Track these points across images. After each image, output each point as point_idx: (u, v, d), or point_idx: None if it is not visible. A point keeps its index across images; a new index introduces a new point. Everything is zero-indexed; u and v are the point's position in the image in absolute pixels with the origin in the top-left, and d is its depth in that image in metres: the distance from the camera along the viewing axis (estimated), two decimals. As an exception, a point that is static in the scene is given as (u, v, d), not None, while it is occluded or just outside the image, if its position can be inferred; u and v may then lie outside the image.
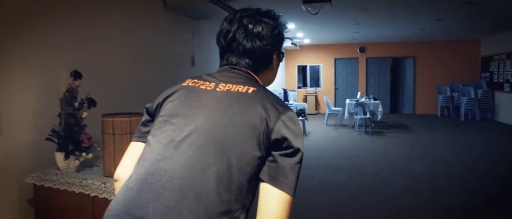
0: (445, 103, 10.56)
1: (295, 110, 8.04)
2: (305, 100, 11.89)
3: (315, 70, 12.27)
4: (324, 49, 11.91)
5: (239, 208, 0.76)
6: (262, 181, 0.78)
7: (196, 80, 0.92)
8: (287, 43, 9.63)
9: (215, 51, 5.10)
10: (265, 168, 0.79)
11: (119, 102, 3.05)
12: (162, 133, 0.84)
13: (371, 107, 8.47)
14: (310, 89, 12.16)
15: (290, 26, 7.54)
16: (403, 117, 10.66)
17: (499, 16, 6.75)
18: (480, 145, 6.64)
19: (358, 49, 11.57)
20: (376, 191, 4.08)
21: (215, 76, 0.93)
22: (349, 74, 11.93)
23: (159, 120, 0.88)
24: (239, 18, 0.93)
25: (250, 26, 0.91)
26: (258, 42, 0.91)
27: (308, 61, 12.23)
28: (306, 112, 8.30)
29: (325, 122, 9.26)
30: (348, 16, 6.62)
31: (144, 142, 0.90)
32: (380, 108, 8.41)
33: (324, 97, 9.35)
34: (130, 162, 0.91)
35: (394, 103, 11.90)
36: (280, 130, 0.79)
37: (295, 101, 10.69)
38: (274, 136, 0.79)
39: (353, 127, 8.54)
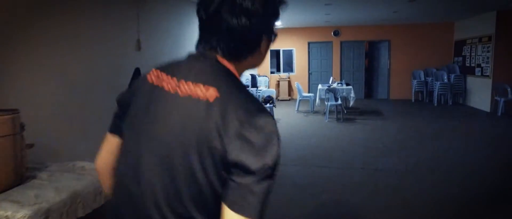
0: (419, 88, 10.61)
1: (261, 97, 7.80)
2: (278, 85, 11.67)
3: (289, 55, 12.03)
4: (298, 33, 11.66)
5: None
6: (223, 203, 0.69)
7: (160, 75, 0.81)
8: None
9: (168, 34, 4.69)
10: (225, 189, 0.70)
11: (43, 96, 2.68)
12: (126, 141, 0.83)
13: (343, 93, 8.35)
14: (283, 74, 11.94)
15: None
16: (377, 102, 10.66)
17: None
18: (450, 131, 6.65)
19: (332, 33, 11.39)
20: (336, 184, 3.92)
21: (181, 68, 0.80)
22: (323, 58, 11.77)
23: (126, 122, 0.84)
24: None
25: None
26: (244, 20, 0.74)
27: (281, 45, 11.96)
28: (275, 98, 8.07)
29: (296, 109, 9.08)
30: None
31: (119, 135, 0.88)
32: (352, 94, 8.30)
33: (296, 83, 9.15)
34: (106, 153, 0.91)
35: (369, 88, 11.89)
36: (237, 149, 0.67)
37: (266, 87, 10.45)
38: (230, 156, 0.67)
39: (324, 113, 8.41)
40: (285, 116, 8.44)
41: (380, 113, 8.68)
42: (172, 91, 0.76)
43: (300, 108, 9.21)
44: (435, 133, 6.49)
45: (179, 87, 0.75)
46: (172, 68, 0.81)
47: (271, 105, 7.56)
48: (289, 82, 11.78)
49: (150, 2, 4.65)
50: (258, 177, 0.66)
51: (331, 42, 11.55)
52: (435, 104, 9.82)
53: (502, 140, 5.92)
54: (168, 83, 0.77)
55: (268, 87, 10.48)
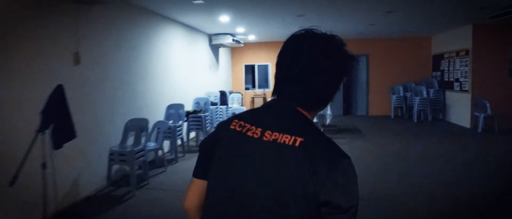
0: (398, 103, 10.43)
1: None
2: (252, 102, 11.25)
3: (264, 70, 11.68)
4: (274, 47, 11.35)
5: None
6: None
7: (242, 124, 0.91)
8: (228, 40, 8.91)
9: (117, 46, 4.10)
10: None
11: None
12: (216, 184, 0.91)
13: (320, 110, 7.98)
14: (258, 91, 11.54)
15: (224, 18, 6.81)
16: (356, 119, 10.38)
17: (448, 10, 6.52)
18: (431, 152, 6.35)
19: (308, 47, 11.13)
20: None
21: (262, 117, 0.91)
22: (299, 74, 11.45)
23: (215, 167, 0.92)
24: (308, 48, 0.87)
25: (322, 59, 0.86)
26: (326, 79, 0.88)
27: (256, 60, 11.62)
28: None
29: (270, 127, 8.63)
30: (288, 6, 6.03)
31: (204, 179, 0.97)
32: (329, 111, 7.95)
33: (269, 99, 8.73)
34: (193, 195, 1.01)
35: (347, 104, 11.64)
36: (329, 192, 0.78)
37: (239, 104, 10.00)
38: (322, 197, 0.77)
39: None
40: (258, 135, 7.98)
41: (359, 131, 8.35)
42: (257, 136, 0.86)
43: (275, 127, 8.78)
44: (416, 153, 6.17)
45: (265, 136, 0.85)
46: (253, 118, 0.91)
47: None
48: (265, 98, 11.39)
49: (94, 13, 4.15)
50: (349, 214, 0.77)
51: (307, 56, 11.28)
52: (415, 121, 9.61)
53: (485, 159, 5.64)
54: (254, 132, 0.87)
55: (242, 105, 10.03)
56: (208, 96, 7.95)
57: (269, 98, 11.50)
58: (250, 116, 0.93)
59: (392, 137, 7.50)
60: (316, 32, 0.90)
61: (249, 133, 0.87)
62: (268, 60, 11.53)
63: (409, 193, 4.13)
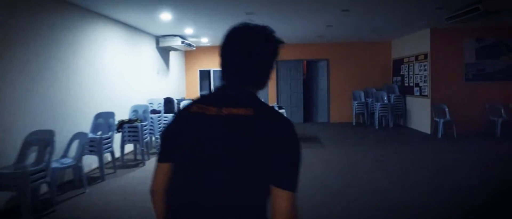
0: (360, 110, 10.18)
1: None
2: (208, 110, 10.56)
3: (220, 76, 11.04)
4: (230, 51, 10.78)
5: None
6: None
7: (201, 106, 1.05)
8: (176, 42, 8.23)
9: (34, 42, 3.05)
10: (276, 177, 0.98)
11: None
12: (182, 163, 1.04)
13: (275, 118, 7.47)
14: (215, 98, 10.88)
15: (166, 16, 6.15)
16: (316, 127, 9.99)
17: (405, 10, 6.27)
18: (391, 161, 5.99)
19: (267, 51, 10.67)
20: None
21: (216, 97, 1.08)
22: (258, 79, 10.95)
23: (179, 149, 1.05)
24: (247, 38, 1.06)
25: (258, 46, 1.05)
26: (264, 61, 1.07)
27: (212, 65, 10.99)
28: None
29: (223, 137, 8.01)
30: (236, 3, 5.49)
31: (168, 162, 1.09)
32: (285, 119, 7.46)
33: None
34: (161, 177, 1.10)
35: (308, 111, 11.28)
36: (279, 145, 0.97)
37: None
38: (274, 151, 0.96)
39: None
40: (208, 146, 7.33)
41: (318, 140, 7.92)
42: (217, 115, 1.00)
43: (229, 136, 8.17)
44: (376, 163, 5.78)
45: (222, 112, 1.00)
46: (209, 100, 1.08)
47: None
48: (221, 106, 10.75)
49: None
50: (295, 162, 1.00)
51: (266, 61, 10.81)
52: (376, 127, 9.37)
53: (446, 170, 5.33)
54: (211, 111, 1.01)
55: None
56: (151, 103, 7.20)
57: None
58: (206, 99, 1.09)
59: (351, 147, 7.11)
60: (251, 25, 1.08)
61: (208, 112, 1.02)
62: (224, 65, 10.92)
63: (371, 212, 3.65)
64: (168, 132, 1.10)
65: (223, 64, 1.08)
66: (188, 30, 7.75)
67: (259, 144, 0.95)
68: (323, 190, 4.34)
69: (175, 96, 9.66)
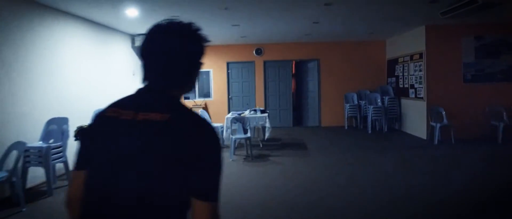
0: (352, 113, 9.61)
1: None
2: (191, 114, 10.01)
3: (205, 77, 10.51)
4: (214, 51, 10.25)
5: None
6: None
7: (117, 110, 0.99)
8: (152, 41, 7.66)
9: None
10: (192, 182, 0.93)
11: None
12: (96, 170, 0.98)
13: (256, 123, 6.92)
14: (198, 100, 10.35)
15: (132, 11, 5.61)
16: (306, 131, 9.42)
17: (395, 5, 5.72)
18: (383, 171, 5.42)
19: (254, 51, 10.13)
20: None
21: (134, 101, 1.01)
22: (245, 80, 10.41)
23: (94, 154, 1.00)
24: (168, 37, 0.99)
25: (180, 46, 0.99)
26: (185, 61, 1.01)
27: (207, 65, 10.41)
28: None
29: (202, 143, 7.44)
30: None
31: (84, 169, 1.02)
32: (267, 124, 6.91)
33: (200, 110, 7.58)
34: (77, 187, 1.04)
35: (298, 114, 10.71)
36: (198, 151, 0.91)
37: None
38: (192, 158, 0.91)
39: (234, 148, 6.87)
40: (183, 154, 6.76)
41: (304, 146, 7.35)
42: (132, 119, 0.95)
43: (209, 142, 7.60)
44: (366, 173, 5.21)
45: (138, 117, 0.95)
46: (126, 103, 1.01)
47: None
48: (205, 108, 10.20)
49: None
50: (215, 168, 0.95)
51: (253, 62, 10.28)
52: (369, 132, 8.80)
53: (441, 180, 4.76)
54: (127, 115, 0.96)
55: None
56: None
57: (210, 108, 10.40)
58: (123, 102, 1.01)
59: (341, 154, 6.51)
60: (175, 22, 1.01)
61: (123, 117, 0.96)
62: (209, 66, 10.39)
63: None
64: (84, 137, 1.07)
65: (145, 65, 1.02)
66: (163, 28, 7.19)
67: (174, 151, 0.90)
68: (298, 201, 3.78)
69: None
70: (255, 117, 6.90)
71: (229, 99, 10.41)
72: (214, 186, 0.93)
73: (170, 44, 0.97)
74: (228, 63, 10.35)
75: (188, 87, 1.05)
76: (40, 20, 4.93)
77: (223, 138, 7.19)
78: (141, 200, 0.90)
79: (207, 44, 1.06)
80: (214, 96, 10.40)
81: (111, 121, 0.98)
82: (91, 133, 1.02)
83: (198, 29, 1.03)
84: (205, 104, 10.31)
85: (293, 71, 10.75)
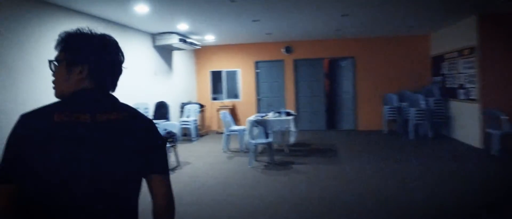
0: (392, 116, 8.66)
1: (163, 133, 5.70)
2: (217, 116, 9.63)
3: (233, 77, 10.08)
4: (241, 50, 9.79)
5: None
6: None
7: (69, 113, 1.00)
8: (173, 40, 7.35)
9: None
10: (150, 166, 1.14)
11: None
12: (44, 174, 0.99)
13: (279, 127, 6.31)
14: (226, 101, 9.93)
15: (142, 8, 5.26)
16: (340, 136, 8.63)
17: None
18: (422, 188, 4.58)
19: (283, 49, 9.52)
20: None
21: (86, 104, 1.05)
22: (274, 81, 9.83)
23: (39, 162, 0.98)
24: (105, 42, 1.14)
25: (117, 56, 1.16)
26: (118, 67, 1.17)
27: (224, 65, 10.05)
28: (178, 135, 5.97)
29: (223, 147, 6.99)
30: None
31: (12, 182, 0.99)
32: (292, 128, 6.27)
33: (221, 112, 7.13)
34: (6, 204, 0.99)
35: (332, 117, 9.90)
36: (150, 139, 1.13)
37: (196, 118, 8.40)
38: (147, 144, 1.12)
39: (255, 154, 6.32)
40: (202, 157, 6.33)
41: (335, 153, 6.61)
42: (92, 121, 1.02)
43: (231, 146, 7.14)
44: (405, 189, 4.42)
45: (97, 118, 1.02)
46: (78, 106, 1.03)
47: (171, 145, 5.49)
48: (233, 110, 9.76)
49: None
50: (163, 147, 1.18)
51: (282, 61, 9.66)
52: (411, 138, 7.82)
53: (505, 200, 3.86)
54: (85, 118, 1.01)
55: (196, 117, 8.43)
56: (137, 108, 6.33)
57: (238, 110, 9.94)
58: (72, 106, 1.03)
59: (377, 163, 5.69)
60: (107, 35, 1.15)
61: (81, 120, 1.00)
62: (237, 65, 9.94)
63: None
64: (14, 148, 0.98)
65: (90, 71, 1.08)
66: (183, 26, 6.83)
67: (135, 142, 1.07)
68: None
69: (180, 99, 8.86)
70: (278, 120, 6.30)
71: (258, 100, 9.88)
72: (166, 162, 1.17)
73: (112, 54, 1.13)
74: (256, 63, 9.83)
75: (114, 87, 1.17)
76: (56, 21, 4.73)
77: (243, 142, 6.68)
78: (115, 189, 1.03)
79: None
80: (243, 97, 9.93)
81: (67, 125, 0.99)
82: (27, 143, 0.97)
83: (106, 35, 1.15)
84: (233, 105, 9.88)
85: (326, 70, 9.97)
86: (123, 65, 1.16)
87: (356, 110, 9.39)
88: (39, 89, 4.54)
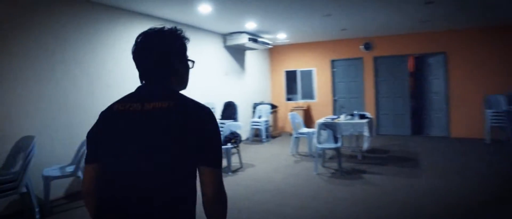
0: (497, 121, 7.21)
1: (225, 133, 5.65)
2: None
3: (308, 76, 9.63)
4: (316, 48, 9.28)
5: None
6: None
7: (124, 104, 1.14)
8: (243, 39, 7.26)
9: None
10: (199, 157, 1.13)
11: None
12: (112, 160, 1.12)
13: (352, 130, 5.71)
14: (301, 102, 9.53)
15: (206, 8, 5.23)
16: (427, 143, 7.52)
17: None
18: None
19: (361, 46, 8.72)
20: None
21: (138, 95, 1.16)
22: (352, 80, 9.09)
23: (106, 147, 1.13)
24: (153, 41, 1.18)
25: (164, 48, 1.18)
26: (171, 60, 1.19)
27: (298, 64, 9.67)
28: (240, 135, 5.80)
29: (290, 150, 6.64)
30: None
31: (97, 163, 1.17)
32: (366, 132, 5.62)
33: (289, 114, 6.77)
34: (90, 181, 1.19)
35: (419, 120, 8.73)
36: (200, 127, 1.11)
37: (267, 118, 8.21)
38: (195, 133, 1.10)
39: (323, 160, 5.82)
40: (267, 160, 6.09)
41: (416, 163, 5.72)
42: (141, 109, 1.11)
43: (300, 149, 6.76)
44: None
45: (145, 107, 1.11)
46: (132, 98, 1.16)
47: (232, 146, 5.37)
48: (306, 111, 9.32)
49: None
50: (215, 139, 1.14)
51: (361, 58, 8.86)
52: (521, 149, 6.39)
53: None
54: (135, 107, 1.12)
55: (268, 118, 8.21)
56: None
57: (313, 111, 9.44)
58: (129, 98, 1.16)
59: (470, 180, 4.71)
60: (156, 28, 1.20)
61: (131, 109, 1.11)
62: (312, 65, 9.47)
63: None
64: (91, 133, 1.16)
65: (138, 67, 1.19)
66: (251, 25, 6.68)
67: (181, 129, 1.06)
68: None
69: (253, 100, 8.78)
70: (350, 124, 5.69)
71: (334, 101, 9.25)
72: (217, 155, 1.12)
73: (152, 45, 1.17)
74: (332, 61, 9.22)
75: (182, 82, 1.23)
76: (118, 24, 5.00)
77: (311, 146, 6.24)
78: (159, 173, 1.05)
79: (186, 41, 1.23)
80: (318, 98, 9.42)
81: (121, 114, 1.12)
82: (99, 128, 1.15)
83: (175, 30, 1.20)
84: (308, 106, 9.44)
85: (411, 69, 8.84)
86: (176, 55, 1.19)
87: (448, 113, 8.10)
88: (116, 88, 4.82)
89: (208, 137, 1.09)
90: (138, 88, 1.18)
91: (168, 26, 1.19)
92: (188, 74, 1.25)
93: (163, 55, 1.16)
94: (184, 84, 1.24)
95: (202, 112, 1.12)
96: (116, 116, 1.13)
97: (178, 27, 1.21)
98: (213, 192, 1.08)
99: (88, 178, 1.15)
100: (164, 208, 1.04)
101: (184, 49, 1.22)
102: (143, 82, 1.19)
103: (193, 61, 1.25)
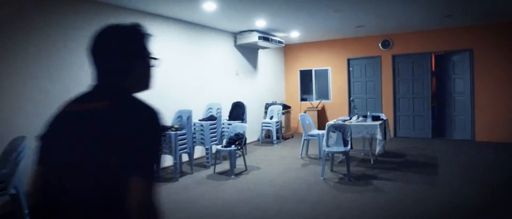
0: (526, 125, 6.64)
1: (229, 135, 5.48)
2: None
3: (323, 76, 9.30)
4: (331, 47, 8.94)
5: None
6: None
7: (72, 104, 1.10)
8: (253, 38, 7.06)
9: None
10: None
11: None
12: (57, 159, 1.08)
13: (365, 133, 5.39)
14: (315, 102, 9.22)
15: (210, 5, 5.06)
16: (449, 146, 7.04)
17: None
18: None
19: (379, 44, 8.30)
20: None
21: (85, 95, 1.11)
22: (369, 80, 8.68)
23: (53, 147, 1.10)
24: (98, 35, 1.11)
25: (106, 44, 1.11)
26: (115, 58, 1.11)
27: (313, 63, 9.35)
28: (245, 137, 5.59)
29: (300, 153, 6.38)
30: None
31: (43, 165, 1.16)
32: (378, 136, 5.28)
33: (300, 115, 6.51)
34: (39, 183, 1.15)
35: (440, 122, 8.20)
36: (137, 127, 1.02)
37: (278, 119, 7.96)
38: (133, 133, 1.01)
39: (331, 163, 5.53)
40: (275, 162, 5.86)
41: (435, 169, 5.31)
42: (83, 110, 1.06)
43: (310, 152, 6.48)
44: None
45: (82, 107, 1.07)
46: (79, 98, 1.11)
47: (235, 148, 5.17)
48: (322, 111, 8.99)
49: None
50: (150, 139, 1.04)
51: (379, 57, 8.43)
52: (554, 155, 5.82)
53: None
54: (78, 107, 1.08)
55: (275, 119, 7.96)
56: (210, 108, 6.24)
57: (328, 111, 9.11)
58: (79, 97, 1.11)
59: (500, 191, 4.31)
60: (109, 25, 1.13)
61: (72, 108, 1.09)
62: (327, 64, 9.13)
63: None
64: (41, 135, 1.14)
65: (91, 64, 1.13)
66: (261, 23, 6.46)
67: (113, 132, 0.99)
68: None
69: (265, 100, 8.57)
70: (361, 126, 5.36)
71: (350, 101, 8.88)
72: (147, 163, 0.99)
73: (107, 42, 1.10)
74: (348, 60, 8.84)
75: (141, 81, 1.14)
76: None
77: (321, 149, 5.95)
78: (92, 174, 1.00)
79: (147, 38, 1.14)
80: (333, 99, 9.08)
81: (64, 115, 1.10)
82: (47, 129, 1.11)
83: (134, 26, 1.12)
84: (323, 107, 9.11)
85: (433, 68, 8.32)
86: (125, 52, 1.10)
87: (473, 115, 7.55)
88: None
89: (142, 142, 0.99)
90: (89, 87, 1.12)
91: (128, 22, 1.11)
92: (149, 73, 1.15)
93: (117, 53, 1.09)
94: (144, 84, 1.15)
95: (143, 113, 1.03)
96: (61, 116, 1.10)
97: (140, 22, 1.13)
98: (135, 202, 0.95)
99: (35, 177, 1.12)
100: (98, 208, 0.99)
101: (143, 46, 1.13)
102: (96, 80, 1.12)
103: (156, 59, 1.15)
